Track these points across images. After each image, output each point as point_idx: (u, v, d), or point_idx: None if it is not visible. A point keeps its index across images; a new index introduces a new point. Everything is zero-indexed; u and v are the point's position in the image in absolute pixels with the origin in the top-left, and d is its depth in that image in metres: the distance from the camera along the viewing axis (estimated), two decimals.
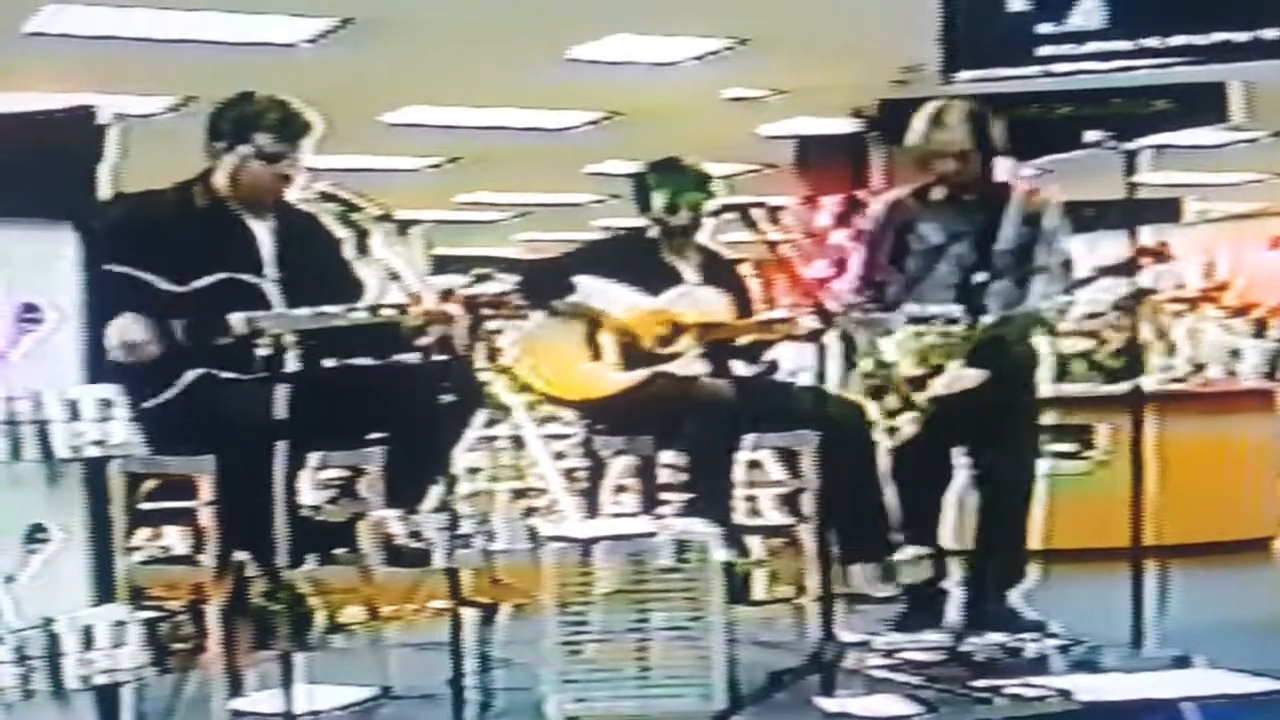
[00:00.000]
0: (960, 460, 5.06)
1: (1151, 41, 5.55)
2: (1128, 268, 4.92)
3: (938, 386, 4.82)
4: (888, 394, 4.82)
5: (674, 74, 9.60)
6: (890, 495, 4.80)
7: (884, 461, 4.82)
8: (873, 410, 4.82)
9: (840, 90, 9.56)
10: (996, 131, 5.07)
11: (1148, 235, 5.19)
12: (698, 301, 5.04)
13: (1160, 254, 4.90)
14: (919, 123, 5.06)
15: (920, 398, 4.81)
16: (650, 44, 9.15)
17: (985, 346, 4.83)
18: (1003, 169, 5.16)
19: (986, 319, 4.86)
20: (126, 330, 4.04)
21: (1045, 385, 5.44)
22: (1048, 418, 5.62)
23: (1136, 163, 4.82)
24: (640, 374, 4.94)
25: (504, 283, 4.84)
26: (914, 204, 5.16)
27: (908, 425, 4.83)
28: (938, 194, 5.09)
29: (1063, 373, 7.19)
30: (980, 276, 4.96)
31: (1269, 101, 8.61)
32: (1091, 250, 5.23)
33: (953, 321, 4.70)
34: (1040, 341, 5.17)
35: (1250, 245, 14.73)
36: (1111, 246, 5.01)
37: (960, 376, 4.81)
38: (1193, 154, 11.66)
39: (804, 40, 8.68)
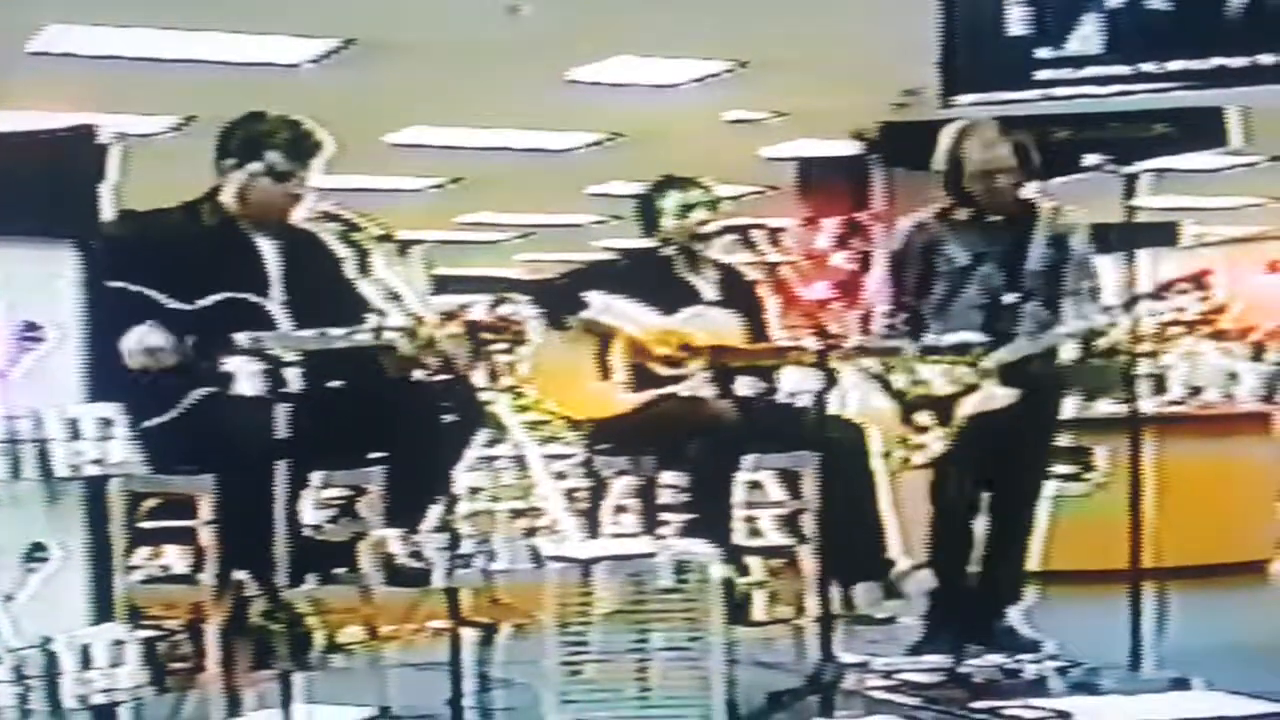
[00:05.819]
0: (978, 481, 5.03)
1: (1150, 66, 5.57)
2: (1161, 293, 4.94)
3: (970, 405, 4.79)
4: (920, 411, 4.79)
5: (675, 96, 9.62)
6: (891, 515, 4.80)
7: (884, 482, 4.83)
8: (886, 431, 4.81)
9: (841, 113, 9.59)
10: (1035, 151, 5.02)
11: (1145, 259, 5.20)
12: (710, 322, 5.02)
13: (1199, 283, 4.88)
14: (969, 143, 4.98)
15: (957, 416, 4.78)
16: (651, 66, 9.17)
17: (1018, 365, 4.79)
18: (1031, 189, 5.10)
19: (1003, 347, 4.81)
20: (147, 336, 4.04)
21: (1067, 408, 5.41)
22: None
23: (1135, 186, 4.83)
24: (647, 395, 4.94)
25: (519, 305, 4.85)
26: (938, 226, 5.08)
27: (937, 444, 4.81)
28: (962, 215, 5.03)
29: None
30: (1009, 298, 4.93)
31: (1266, 126, 8.63)
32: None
33: (964, 350, 4.67)
34: (1066, 364, 5.11)
35: (1248, 269, 14.76)
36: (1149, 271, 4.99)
37: (993, 395, 4.77)
38: (1191, 178, 11.69)
39: (804, 63, 8.70)
